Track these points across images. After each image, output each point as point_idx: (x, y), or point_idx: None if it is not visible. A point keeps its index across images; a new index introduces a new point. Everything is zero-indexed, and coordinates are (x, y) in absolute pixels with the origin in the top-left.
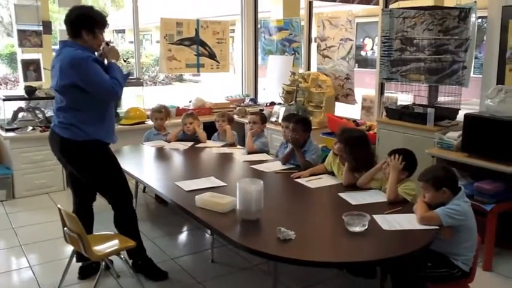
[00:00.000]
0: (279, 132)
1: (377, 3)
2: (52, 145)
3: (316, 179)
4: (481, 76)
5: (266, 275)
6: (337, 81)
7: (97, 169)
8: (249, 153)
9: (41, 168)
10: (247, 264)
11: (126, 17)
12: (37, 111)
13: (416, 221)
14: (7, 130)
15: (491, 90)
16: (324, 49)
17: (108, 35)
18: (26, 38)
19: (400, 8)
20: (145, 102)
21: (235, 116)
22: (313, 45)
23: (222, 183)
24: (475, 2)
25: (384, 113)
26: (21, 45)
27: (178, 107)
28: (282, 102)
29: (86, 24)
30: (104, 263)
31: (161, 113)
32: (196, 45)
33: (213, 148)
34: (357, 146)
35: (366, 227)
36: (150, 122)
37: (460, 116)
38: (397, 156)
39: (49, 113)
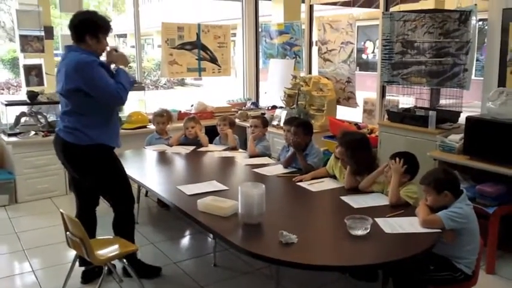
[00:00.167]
0: (280, 135)
1: (378, 7)
2: (56, 149)
3: (318, 182)
4: (482, 78)
5: (268, 279)
6: (339, 85)
7: (101, 173)
8: (251, 156)
9: (44, 173)
10: (249, 268)
11: (127, 21)
12: (39, 116)
13: (418, 224)
14: (10, 135)
15: (493, 93)
16: (325, 52)
17: (109, 39)
18: (28, 43)
19: (400, 11)
20: (147, 107)
21: (236, 120)
22: (314, 49)
23: (224, 187)
24: (476, 4)
25: (386, 116)
26: (23, 50)
27: (180, 111)
28: (284, 105)
29: (89, 29)
30: (106, 267)
31: (163, 117)
32: (197, 49)
33: (214, 152)
34: (357, 149)
35: (368, 231)
36: (152, 126)
37: (462, 119)
38: (398, 159)
39: (51, 117)
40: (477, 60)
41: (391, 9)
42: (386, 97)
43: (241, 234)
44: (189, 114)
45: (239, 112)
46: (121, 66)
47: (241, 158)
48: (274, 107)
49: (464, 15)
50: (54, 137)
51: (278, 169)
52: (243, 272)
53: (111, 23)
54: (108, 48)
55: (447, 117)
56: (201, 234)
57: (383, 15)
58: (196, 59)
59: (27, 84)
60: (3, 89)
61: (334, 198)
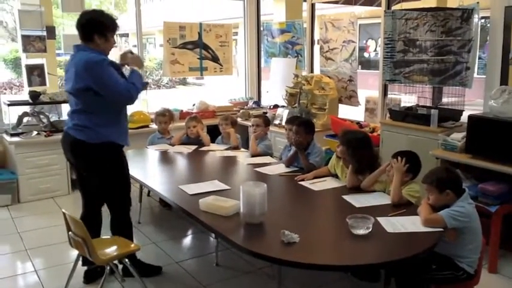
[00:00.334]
0: (282, 134)
1: (379, 5)
2: (64, 148)
3: (319, 181)
4: (484, 77)
5: (270, 278)
6: (340, 83)
7: (106, 172)
8: (253, 156)
9: (46, 173)
10: (251, 268)
11: (129, 21)
12: (42, 116)
13: (420, 223)
14: (12, 135)
15: (495, 91)
16: (327, 51)
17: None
18: (30, 43)
19: (402, 10)
20: (149, 106)
21: (238, 119)
22: (316, 48)
23: (225, 187)
24: (478, 2)
25: (388, 115)
26: (25, 50)
27: (182, 111)
28: (286, 104)
29: (97, 28)
30: (108, 267)
31: (165, 116)
32: (199, 48)
33: (216, 151)
34: (359, 147)
35: (370, 230)
36: (154, 126)
37: (464, 117)
38: (399, 158)
39: (54, 117)
40: (479, 58)
41: (393, 8)
42: (388, 96)
43: (243, 233)
44: (191, 113)
45: (241, 111)
46: (135, 68)
47: (243, 157)
48: (276, 106)
49: (466, 13)
50: (63, 136)
51: (280, 168)
52: (245, 271)
53: (117, 21)
54: (122, 50)
55: (449, 115)
56: (203, 234)
57: (385, 13)
58: (198, 58)
59: (30, 84)
60: (5, 89)
61: (336, 198)
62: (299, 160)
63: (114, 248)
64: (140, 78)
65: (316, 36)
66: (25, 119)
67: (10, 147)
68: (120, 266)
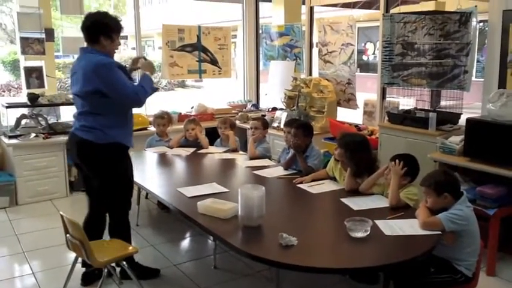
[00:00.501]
0: (281, 137)
1: (378, 8)
2: (71, 149)
3: (318, 184)
4: (482, 80)
5: (268, 281)
6: (339, 86)
7: (112, 172)
8: (251, 158)
9: (44, 175)
10: (249, 271)
11: (128, 23)
12: (40, 118)
13: (418, 227)
14: (10, 137)
15: (493, 95)
16: (326, 54)
17: None
18: (28, 45)
19: (401, 13)
20: (147, 108)
21: (237, 122)
22: (315, 51)
23: (224, 189)
24: (476, 6)
25: (386, 118)
26: (24, 52)
27: (180, 113)
28: (284, 107)
29: (103, 29)
30: (106, 270)
31: (163, 119)
32: (198, 51)
33: (215, 154)
34: (357, 150)
35: (368, 233)
36: (152, 128)
37: (462, 120)
38: (397, 161)
39: (52, 119)
40: (478, 61)
41: (392, 11)
42: (387, 99)
43: (241, 236)
44: (190, 116)
45: (239, 114)
46: (147, 73)
47: (241, 160)
48: (274, 109)
49: (464, 17)
50: (69, 137)
51: (278, 171)
52: (243, 274)
53: (121, 22)
54: (134, 55)
55: (447, 118)
56: (201, 237)
57: (383, 16)
58: (197, 61)
59: (28, 86)
60: (4, 91)
61: (334, 200)
62: (297, 163)
63: (111, 250)
64: (151, 83)
65: (315, 39)
66: (23, 121)
67: (8, 149)
68: (118, 269)
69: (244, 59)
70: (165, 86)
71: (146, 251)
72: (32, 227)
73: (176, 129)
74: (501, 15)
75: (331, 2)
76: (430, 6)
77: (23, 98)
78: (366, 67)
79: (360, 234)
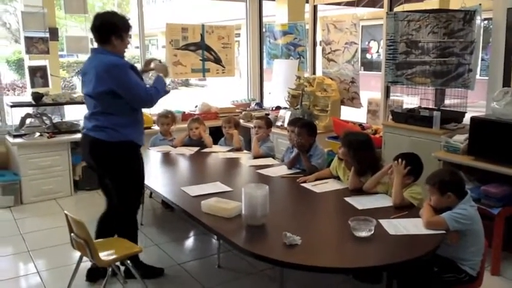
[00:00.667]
0: (284, 136)
1: (382, 6)
2: (84, 150)
3: (321, 183)
4: (487, 78)
5: (272, 280)
6: (343, 85)
7: (124, 170)
8: (255, 157)
9: (49, 174)
10: (253, 270)
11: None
12: (44, 118)
13: (422, 226)
14: (15, 136)
15: (497, 93)
16: (329, 53)
17: None
18: (33, 44)
19: (404, 11)
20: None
21: (241, 121)
22: (318, 49)
23: (227, 189)
24: (480, 4)
25: (390, 117)
26: (28, 51)
27: (184, 112)
28: (288, 106)
29: (113, 29)
30: (110, 269)
31: (167, 118)
32: (201, 50)
33: (219, 153)
34: (360, 149)
35: (372, 232)
36: (156, 127)
37: (467, 119)
38: (400, 160)
39: (56, 119)
40: (482, 59)
41: (395, 9)
42: (391, 97)
43: (244, 235)
44: (193, 115)
45: (243, 113)
46: (161, 75)
47: (245, 159)
48: (278, 108)
49: (468, 15)
50: (82, 138)
51: (282, 170)
52: (247, 273)
53: (130, 21)
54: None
55: (452, 117)
56: (205, 236)
57: (387, 15)
58: (201, 60)
59: (32, 85)
60: (8, 90)
61: (338, 200)
62: (301, 162)
63: (116, 249)
64: (164, 85)
65: (319, 38)
66: (28, 121)
67: (13, 148)
68: (122, 268)
69: (248, 57)
70: (169, 85)
71: (150, 250)
72: (36, 226)
73: (180, 128)
74: (505, 13)
75: (335, 0)
76: (434, 5)
77: (27, 97)
78: (369, 66)
79: (364, 234)
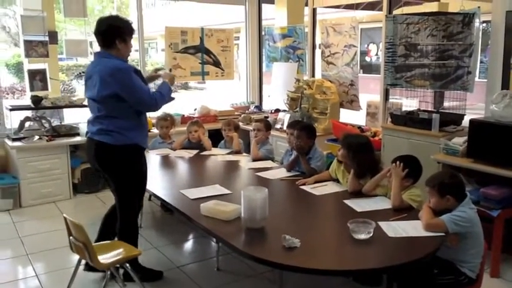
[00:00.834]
0: (284, 139)
1: (381, 9)
2: (89, 154)
3: (321, 186)
4: (486, 80)
5: (271, 283)
6: (342, 88)
7: (130, 174)
8: (254, 160)
9: (48, 177)
10: (252, 272)
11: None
12: (43, 121)
13: (422, 228)
14: (14, 139)
15: (496, 96)
16: (328, 56)
17: None
18: (32, 48)
19: (403, 14)
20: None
21: (240, 124)
22: (318, 52)
23: (227, 191)
24: (479, 7)
25: (389, 119)
26: (27, 55)
27: (183, 115)
28: (287, 109)
29: (117, 33)
30: (109, 272)
31: (166, 121)
32: (201, 53)
33: (218, 156)
34: (359, 151)
35: (372, 234)
36: (155, 130)
37: (466, 122)
38: (398, 163)
39: (55, 122)
40: (481, 62)
41: (394, 12)
42: (390, 100)
43: (244, 238)
44: (193, 118)
45: (242, 115)
46: (166, 81)
47: (244, 162)
48: (277, 111)
49: (467, 18)
50: (87, 142)
51: (281, 173)
52: (246, 276)
53: (133, 25)
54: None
55: (451, 120)
56: (204, 238)
57: (386, 18)
58: (200, 63)
59: (32, 89)
60: (8, 94)
61: (337, 202)
62: (300, 164)
63: (115, 252)
64: (168, 90)
65: (318, 41)
66: (27, 124)
67: (12, 151)
68: (121, 271)
69: (247, 60)
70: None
71: (149, 253)
72: (35, 229)
73: (179, 131)
74: (504, 16)
75: (334, 3)
76: (433, 7)
77: (26, 100)
78: (368, 68)
79: (363, 236)
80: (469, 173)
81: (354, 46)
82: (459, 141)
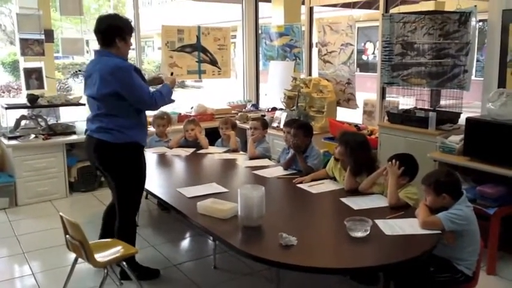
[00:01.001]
0: (280, 137)
1: (377, 8)
2: (89, 152)
3: (317, 184)
4: (482, 79)
5: (268, 281)
6: (339, 86)
7: (129, 172)
8: (251, 158)
9: (44, 176)
10: (249, 271)
11: None
12: (39, 119)
13: (418, 226)
14: (10, 138)
15: (493, 94)
16: (325, 54)
17: None
18: (28, 46)
19: (400, 13)
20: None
21: (237, 122)
22: (314, 51)
23: (223, 190)
24: (475, 6)
25: (386, 118)
26: (23, 53)
27: (180, 114)
28: (284, 107)
29: (117, 32)
30: (106, 270)
31: (163, 119)
32: (197, 51)
33: (215, 154)
34: (357, 148)
35: (368, 232)
36: (152, 129)
37: (462, 120)
38: (394, 161)
39: (51, 120)
40: (477, 60)
41: (391, 11)
42: (387, 98)
43: (241, 236)
44: (189, 116)
45: (239, 114)
46: (168, 83)
47: (241, 160)
48: (274, 109)
49: (464, 17)
50: (86, 140)
51: (278, 171)
52: (243, 274)
53: (132, 23)
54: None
55: (447, 118)
56: (201, 237)
57: (383, 16)
58: (197, 61)
59: (28, 87)
60: (3, 92)
61: (334, 200)
62: (297, 163)
63: (111, 251)
64: (169, 92)
65: (315, 40)
66: (23, 122)
67: (8, 150)
68: (118, 269)
69: (244, 59)
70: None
71: (146, 251)
72: (31, 227)
73: (176, 130)
74: (501, 15)
75: (331, 2)
76: (429, 6)
77: (22, 99)
78: (365, 67)
79: (359, 234)
80: (466, 171)
81: (351, 45)
82: (456, 140)
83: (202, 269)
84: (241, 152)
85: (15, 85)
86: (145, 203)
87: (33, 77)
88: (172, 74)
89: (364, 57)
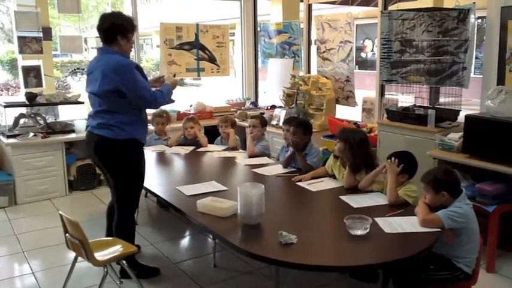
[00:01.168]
0: (280, 135)
1: (376, 5)
2: (89, 148)
3: (317, 182)
4: (481, 76)
5: (268, 279)
6: (338, 84)
7: (129, 168)
8: (250, 156)
9: (43, 174)
10: (249, 269)
11: None
12: (38, 118)
13: (418, 224)
14: (8, 136)
15: (492, 91)
16: (324, 52)
17: None
18: (26, 44)
19: (399, 10)
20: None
21: (236, 120)
22: (313, 48)
23: (223, 188)
24: (474, 3)
25: (385, 115)
26: (21, 51)
27: (179, 112)
28: (283, 105)
29: (119, 30)
30: (105, 269)
31: (162, 117)
32: (196, 49)
33: (214, 152)
34: (357, 144)
35: (368, 230)
36: (151, 127)
37: (461, 117)
38: (393, 159)
39: (50, 119)
40: (476, 58)
41: (390, 8)
42: (386, 96)
43: (240, 234)
44: (188, 114)
45: (238, 112)
46: (169, 83)
47: (240, 158)
48: (273, 107)
49: (462, 14)
50: (86, 136)
51: (277, 169)
52: (242, 272)
53: (134, 21)
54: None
55: (446, 115)
56: (201, 235)
57: (381, 13)
58: (195, 59)
59: (26, 85)
60: (2, 90)
61: (334, 198)
62: (296, 161)
63: (111, 249)
64: (169, 91)
65: (313, 37)
66: (21, 121)
67: (6, 148)
68: (118, 268)
69: (243, 56)
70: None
71: (146, 250)
72: (31, 226)
73: (175, 128)
74: (499, 12)
75: None
76: (428, 3)
77: (21, 97)
78: (364, 64)
79: (359, 232)
80: (465, 168)
81: (350, 42)
82: (455, 137)
83: (202, 267)
84: (240, 150)
85: (14, 83)
86: (145, 201)
87: (32, 75)
88: (175, 75)
89: (363, 55)
